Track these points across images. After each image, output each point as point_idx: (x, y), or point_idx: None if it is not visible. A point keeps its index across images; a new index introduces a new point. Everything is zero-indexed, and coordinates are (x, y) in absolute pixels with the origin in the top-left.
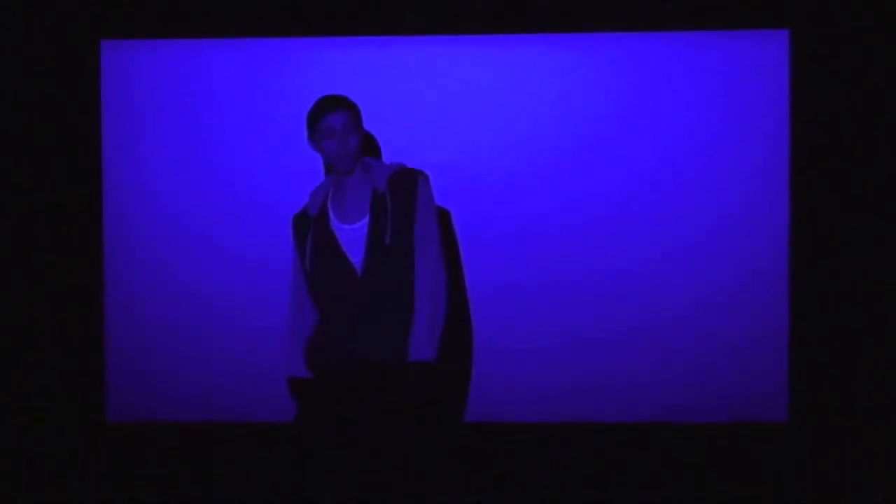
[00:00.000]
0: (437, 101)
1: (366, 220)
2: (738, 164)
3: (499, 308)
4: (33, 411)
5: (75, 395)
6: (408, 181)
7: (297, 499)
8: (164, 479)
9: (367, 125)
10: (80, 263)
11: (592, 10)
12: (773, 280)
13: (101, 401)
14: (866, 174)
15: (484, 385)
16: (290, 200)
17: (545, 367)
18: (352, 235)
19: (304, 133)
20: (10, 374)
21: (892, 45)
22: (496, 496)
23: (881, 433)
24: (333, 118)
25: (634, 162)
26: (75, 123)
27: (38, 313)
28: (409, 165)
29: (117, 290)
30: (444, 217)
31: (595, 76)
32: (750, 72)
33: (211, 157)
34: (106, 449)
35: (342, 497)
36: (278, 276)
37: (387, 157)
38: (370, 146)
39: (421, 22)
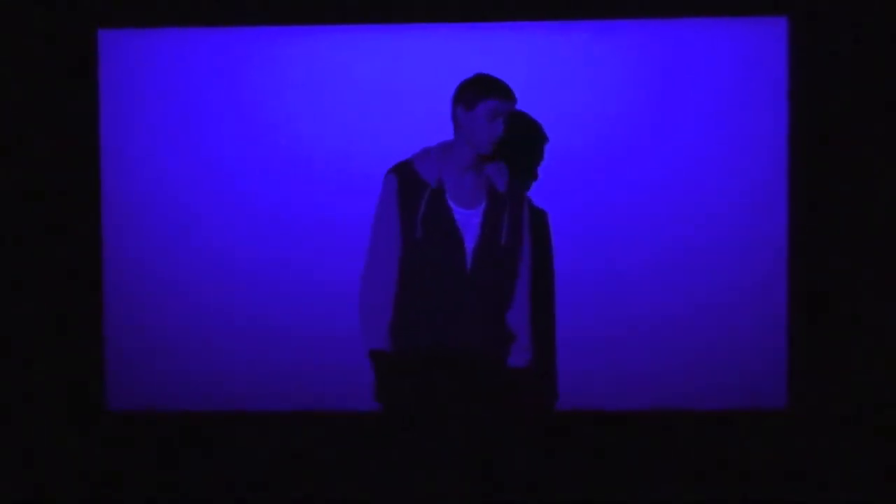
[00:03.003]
0: (432, 92)
1: (481, 209)
2: (736, 153)
3: None
4: (32, 399)
5: (75, 383)
6: (522, 188)
7: (294, 487)
8: (164, 468)
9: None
10: (79, 252)
11: None
12: (771, 267)
13: (100, 389)
14: (866, 162)
15: None
16: (290, 191)
17: None
18: (467, 220)
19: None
20: (8, 363)
21: (891, 32)
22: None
23: (879, 419)
24: (505, 105)
25: (627, 151)
26: (73, 114)
27: (36, 301)
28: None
29: (116, 277)
30: (540, 217)
31: (584, 64)
32: (748, 59)
33: (211, 148)
34: (105, 437)
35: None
36: (278, 265)
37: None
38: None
39: (422, 11)
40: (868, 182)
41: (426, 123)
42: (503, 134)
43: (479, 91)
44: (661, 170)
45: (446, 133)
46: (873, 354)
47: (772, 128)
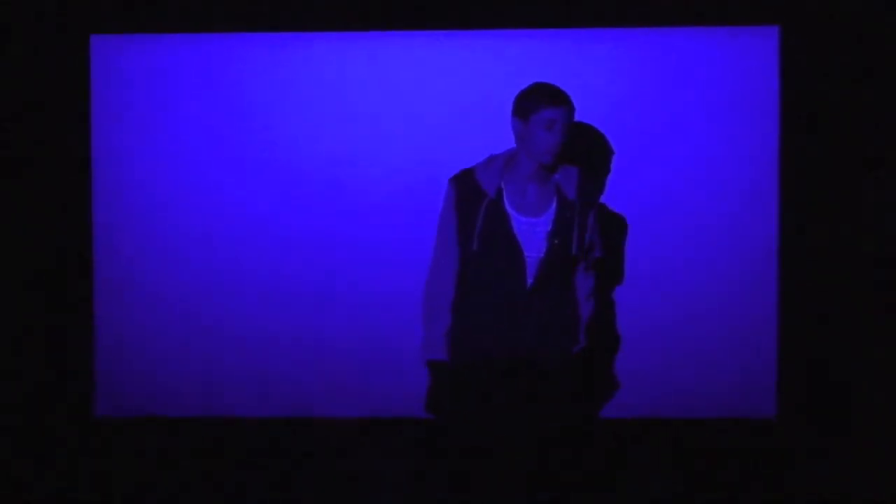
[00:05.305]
0: (429, 100)
1: (547, 217)
2: (727, 162)
3: None
4: (21, 405)
5: (63, 389)
6: (592, 194)
7: (284, 494)
8: (151, 475)
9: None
10: (68, 257)
11: (576, 6)
12: (761, 277)
13: (89, 395)
14: (858, 171)
15: None
16: (282, 197)
17: None
18: (530, 229)
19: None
20: None
21: (884, 41)
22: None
23: (869, 429)
24: (558, 112)
25: (617, 159)
26: (64, 119)
27: (25, 307)
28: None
29: (106, 283)
30: (614, 223)
31: (578, 73)
32: (740, 68)
33: (203, 154)
34: (93, 443)
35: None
36: (268, 272)
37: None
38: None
39: (419, 18)
40: (859, 191)
41: (423, 131)
42: (563, 141)
43: (532, 101)
44: (652, 178)
45: (442, 141)
46: (863, 364)
47: (763, 136)
